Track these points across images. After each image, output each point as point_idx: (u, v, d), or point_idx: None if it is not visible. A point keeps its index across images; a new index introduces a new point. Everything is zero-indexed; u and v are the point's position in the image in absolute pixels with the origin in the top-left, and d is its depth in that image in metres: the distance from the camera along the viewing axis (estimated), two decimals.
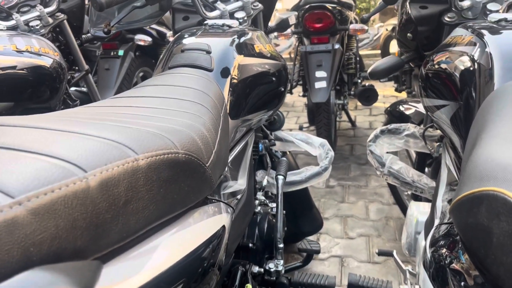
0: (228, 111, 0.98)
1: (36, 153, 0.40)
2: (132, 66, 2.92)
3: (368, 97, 2.73)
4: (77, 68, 1.93)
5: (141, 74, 3.19)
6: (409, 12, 1.29)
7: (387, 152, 1.43)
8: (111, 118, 0.59)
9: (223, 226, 0.63)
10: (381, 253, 1.44)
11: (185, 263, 0.51)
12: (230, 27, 1.22)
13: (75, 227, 0.37)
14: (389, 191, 2.20)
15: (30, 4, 1.73)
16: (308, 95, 2.79)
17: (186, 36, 1.16)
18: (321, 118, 2.65)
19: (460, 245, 0.52)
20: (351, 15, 2.69)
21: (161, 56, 1.13)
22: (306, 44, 2.57)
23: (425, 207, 1.23)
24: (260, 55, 1.18)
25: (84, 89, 2.44)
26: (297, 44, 2.78)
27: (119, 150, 0.45)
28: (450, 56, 1.02)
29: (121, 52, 2.79)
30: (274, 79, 1.23)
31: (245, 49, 1.13)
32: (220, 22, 1.24)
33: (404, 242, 1.23)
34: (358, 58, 3.20)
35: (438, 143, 1.21)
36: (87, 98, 2.55)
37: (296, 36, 2.74)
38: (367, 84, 2.93)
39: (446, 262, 0.55)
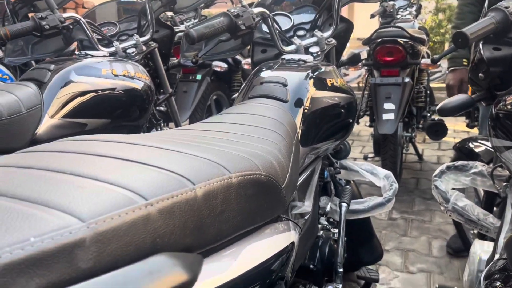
0: (299, 139, 1.07)
1: (159, 168, 0.51)
2: (207, 89, 3.12)
3: (437, 131, 2.70)
4: (162, 90, 2.13)
5: (214, 97, 3.39)
6: (482, 53, 1.32)
7: (453, 189, 1.43)
8: (207, 141, 0.70)
9: (292, 243, 0.71)
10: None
11: (260, 270, 0.60)
12: (305, 62, 1.32)
13: (186, 227, 0.48)
14: (454, 229, 2.15)
15: (128, 33, 1.96)
16: (375, 126, 2.81)
17: (264, 69, 1.28)
18: (387, 150, 2.66)
19: None
20: (423, 49, 2.71)
21: (242, 86, 1.26)
22: (376, 76, 2.62)
23: (489, 246, 1.22)
24: (332, 88, 1.27)
25: (163, 109, 2.66)
26: (367, 75, 2.83)
27: (218, 169, 0.56)
28: None
29: (199, 77, 3.01)
30: (343, 111, 1.31)
31: (318, 83, 1.22)
32: (296, 57, 1.34)
33: (466, 279, 1.23)
34: (428, 92, 3.17)
35: (505, 183, 1.21)
36: (166, 117, 2.77)
37: (366, 67, 2.80)
38: (436, 118, 2.90)
39: None
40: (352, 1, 1.55)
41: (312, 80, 1.21)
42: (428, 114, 3.06)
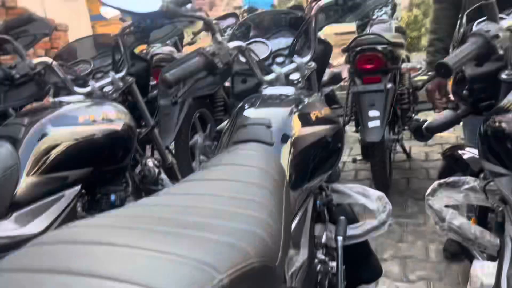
0: (289, 184, 1.04)
1: (139, 285, 0.47)
2: (190, 109, 3.07)
3: (423, 133, 2.70)
4: (143, 123, 2.09)
5: (198, 114, 3.35)
6: (464, 70, 1.31)
7: (446, 206, 1.42)
8: (192, 221, 0.66)
9: None
10: None
11: None
12: (287, 96, 1.29)
13: None
14: None
15: (103, 70, 1.91)
16: (361, 133, 2.80)
17: (246, 107, 1.25)
18: (375, 156, 2.66)
19: None
20: (403, 53, 2.70)
21: (224, 129, 1.22)
22: (358, 84, 2.61)
23: (489, 267, 1.21)
24: (317, 122, 1.24)
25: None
26: (349, 83, 2.82)
27: (207, 274, 0.52)
28: (510, 124, 1.02)
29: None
30: (331, 141, 1.28)
31: (302, 118, 1.19)
32: (277, 91, 1.31)
33: None
34: (411, 90, 3.17)
35: (500, 208, 1.20)
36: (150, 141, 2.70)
37: (348, 74, 2.79)
38: (422, 118, 2.90)
39: None
40: (328, 23, 1.52)
41: (296, 116, 1.18)
42: (413, 115, 3.06)
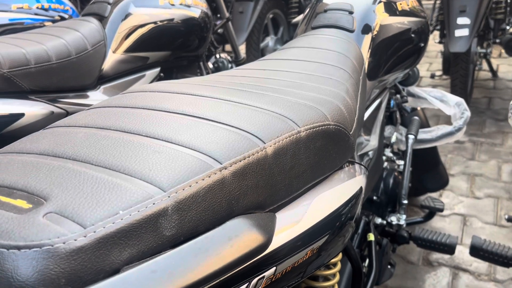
0: (366, 72, 1.02)
1: (230, 126, 0.51)
2: (264, 8, 3.00)
3: None
4: (218, 15, 2.08)
5: (271, 16, 3.26)
6: None
7: None
8: (272, 88, 0.68)
9: (361, 188, 0.71)
10: (510, 219, 1.40)
11: (331, 218, 0.60)
12: None
13: (258, 186, 0.48)
14: None
15: None
16: (445, 42, 2.61)
17: None
18: (457, 69, 2.48)
19: None
20: None
21: (304, 14, 1.19)
22: None
23: None
24: (402, 13, 1.16)
25: (219, 31, 2.61)
26: None
27: (287, 124, 0.55)
28: None
29: None
30: (414, 36, 1.21)
31: (387, 7, 1.12)
32: None
33: None
34: (509, 1, 2.84)
35: None
36: (222, 40, 2.73)
37: None
38: None
39: None
40: None
41: (380, 5, 1.11)
42: (507, 27, 2.76)
